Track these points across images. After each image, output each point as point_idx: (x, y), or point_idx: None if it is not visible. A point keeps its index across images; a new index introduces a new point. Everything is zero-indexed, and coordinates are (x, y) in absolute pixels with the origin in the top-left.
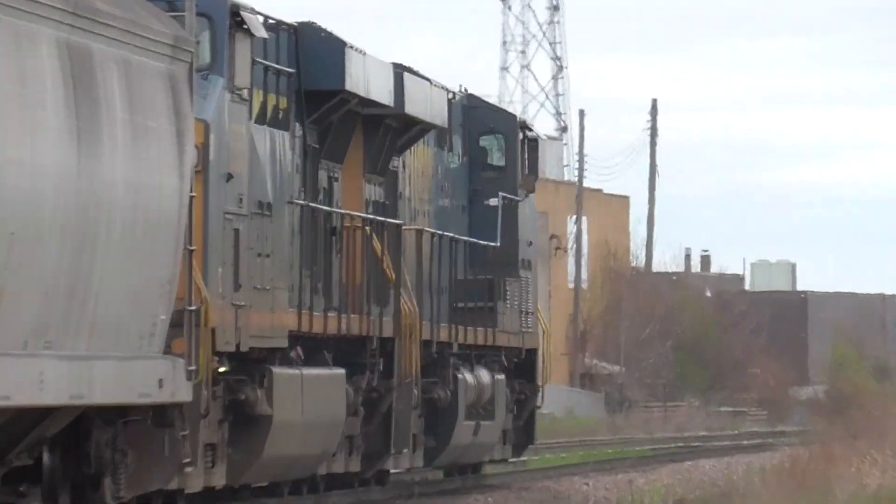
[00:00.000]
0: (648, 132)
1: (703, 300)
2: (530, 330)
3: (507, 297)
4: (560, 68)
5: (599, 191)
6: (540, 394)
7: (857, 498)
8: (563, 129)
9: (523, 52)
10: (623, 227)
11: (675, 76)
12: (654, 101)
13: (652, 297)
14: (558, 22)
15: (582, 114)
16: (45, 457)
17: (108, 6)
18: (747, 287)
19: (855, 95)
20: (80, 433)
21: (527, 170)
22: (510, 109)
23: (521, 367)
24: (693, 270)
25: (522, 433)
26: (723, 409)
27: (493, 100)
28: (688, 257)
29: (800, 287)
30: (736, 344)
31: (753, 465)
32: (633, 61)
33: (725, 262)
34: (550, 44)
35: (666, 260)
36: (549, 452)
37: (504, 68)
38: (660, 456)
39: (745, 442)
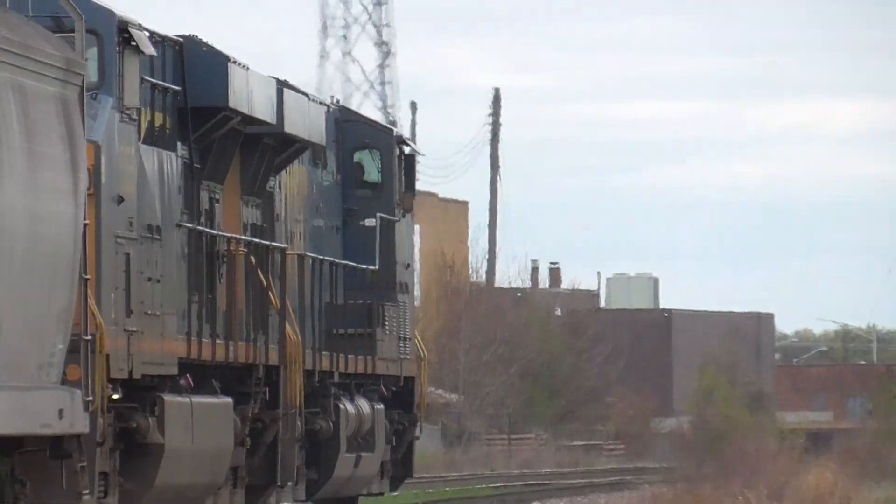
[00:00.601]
0: (490, 127)
1: (552, 320)
2: (408, 357)
3: (386, 323)
4: (387, 54)
5: (434, 195)
6: (419, 424)
7: None
8: (392, 124)
9: (345, 36)
10: (461, 235)
11: (521, 62)
12: (497, 91)
13: (494, 316)
14: (385, 3)
15: (413, 106)
16: None
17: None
18: (603, 304)
19: (729, 84)
20: None
21: (404, 187)
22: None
23: (399, 396)
24: (541, 286)
25: (401, 466)
26: (575, 442)
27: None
28: (535, 271)
29: (663, 305)
30: (590, 369)
31: None
32: (473, 45)
33: (578, 277)
34: (376, 27)
35: (510, 274)
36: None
37: (323, 55)
38: (504, 495)
39: (599, 480)
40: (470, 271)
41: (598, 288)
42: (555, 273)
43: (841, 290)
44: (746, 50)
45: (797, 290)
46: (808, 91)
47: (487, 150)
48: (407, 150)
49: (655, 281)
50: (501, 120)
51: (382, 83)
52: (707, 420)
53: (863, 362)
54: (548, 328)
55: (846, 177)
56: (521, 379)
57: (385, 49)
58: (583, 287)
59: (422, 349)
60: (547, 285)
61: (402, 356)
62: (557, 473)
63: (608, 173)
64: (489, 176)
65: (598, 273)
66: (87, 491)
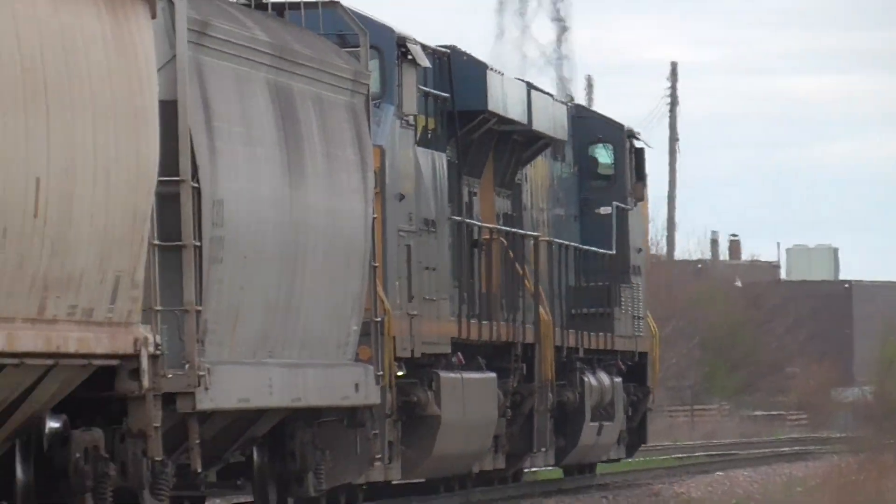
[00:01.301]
0: (667, 101)
1: (732, 292)
2: (641, 334)
3: (622, 303)
4: (564, 30)
5: None
6: (651, 396)
7: None
8: (570, 100)
9: (521, 13)
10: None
11: (699, 36)
12: (674, 66)
13: (674, 288)
14: None
15: (589, 80)
16: (255, 455)
17: (302, 47)
18: (783, 276)
19: None
20: (285, 434)
21: (635, 178)
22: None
23: (633, 371)
24: (721, 258)
25: (635, 434)
26: (757, 413)
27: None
28: (714, 243)
29: (843, 276)
30: (771, 341)
31: (794, 476)
32: (649, 20)
33: (757, 249)
34: (553, 3)
35: (689, 247)
36: None
37: (499, 34)
38: (687, 466)
39: (783, 449)
40: (649, 244)
41: (778, 259)
42: (734, 245)
43: None
44: None
45: None
46: None
47: (665, 123)
48: (637, 143)
49: (835, 251)
50: (678, 93)
51: (559, 59)
52: (889, 390)
53: None
54: (728, 301)
55: None
56: (702, 351)
57: (561, 25)
58: (763, 259)
59: (653, 327)
60: (726, 257)
61: (637, 333)
62: (740, 444)
63: (789, 145)
64: (667, 149)
65: (778, 244)
66: (379, 456)
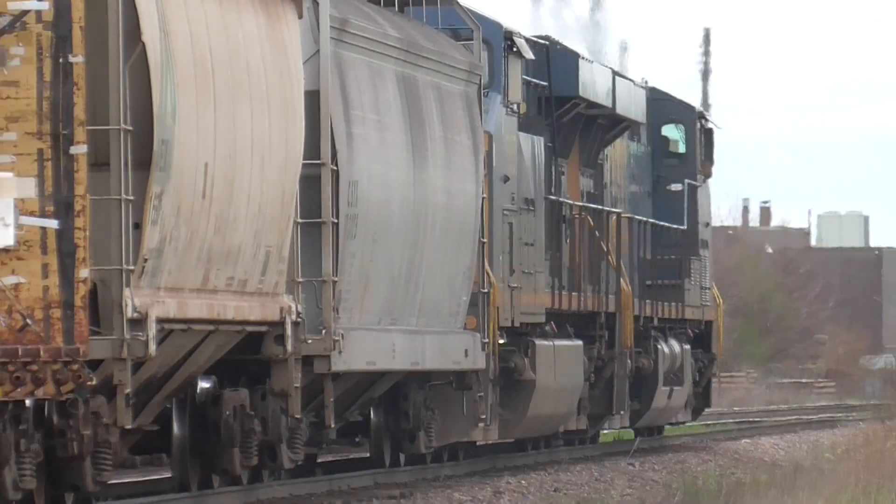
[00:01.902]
0: (700, 67)
1: (763, 258)
2: (708, 304)
3: (692, 275)
4: None
5: None
6: (716, 363)
7: None
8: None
9: None
10: None
11: (731, 2)
12: (707, 32)
13: None
14: None
15: (623, 45)
16: (372, 415)
17: (424, 41)
18: (813, 243)
19: None
20: (399, 395)
21: (704, 157)
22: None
23: (700, 338)
24: (752, 224)
25: (701, 398)
26: (785, 380)
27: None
28: (745, 209)
29: (873, 243)
30: (801, 308)
31: (821, 444)
32: None
33: (789, 215)
34: None
35: (721, 213)
36: None
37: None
38: (714, 433)
39: (811, 417)
40: None
41: (809, 226)
42: (765, 211)
43: None
44: None
45: None
46: None
47: (698, 88)
48: (707, 124)
49: (866, 219)
50: (711, 59)
51: (596, 25)
52: None
53: None
54: (759, 267)
55: None
56: (732, 317)
57: None
58: (794, 226)
59: (717, 297)
60: (757, 224)
61: (703, 303)
62: (768, 411)
63: (820, 111)
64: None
65: (809, 211)
66: (483, 416)
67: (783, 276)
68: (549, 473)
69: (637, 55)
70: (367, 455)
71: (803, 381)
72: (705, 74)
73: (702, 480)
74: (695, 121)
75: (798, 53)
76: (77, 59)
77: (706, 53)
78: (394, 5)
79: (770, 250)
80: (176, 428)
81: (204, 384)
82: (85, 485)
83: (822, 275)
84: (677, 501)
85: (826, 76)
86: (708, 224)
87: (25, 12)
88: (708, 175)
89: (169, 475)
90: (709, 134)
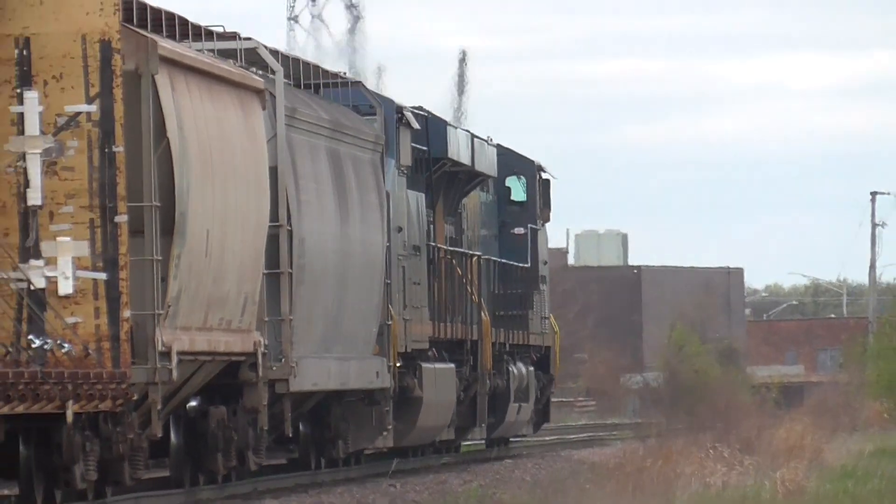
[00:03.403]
0: (456, 88)
1: None
2: (547, 332)
3: (534, 306)
4: (357, 18)
5: None
6: (554, 383)
7: (702, 498)
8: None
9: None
10: None
11: (488, 24)
12: (464, 53)
13: None
14: None
15: (379, 70)
16: (301, 427)
17: (344, 119)
18: (572, 262)
19: (698, 41)
20: (321, 410)
21: (542, 204)
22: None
23: (540, 361)
24: None
25: (542, 414)
26: None
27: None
28: None
29: (632, 261)
30: (560, 327)
31: (583, 463)
32: (440, 7)
33: (546, 234)
34: None
35: None
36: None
37: (292, 17)
38: (473, 452)
39: (571, 436)
40: None
41: (567, 245)
42: None
43: (811, 245)
44: (716, 6)
45: (767, 245)
46: (778, 47)
47: (455, 105)
48: (544, 175)
49: (625, 237)
50: (469, 81)
51: (354, 50)
52: (677, 376)
53: (833, 316)
54: None
55: (816, 132)
56: None
57: (355, 13)
58: (551, 245)
59: (555, 325)
60: None
61: (543, 331)
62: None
63: (576, 132)
64: None
65: (567, 230)
66: (390, 426)
67: None
68: (310, 496)
69: (395, 77)
70: (296, 457)
71: (564, 399)
72: (461, 96)
73: (463, 501)
74: (535, 173)
75: (551, 75)
76: (118, 149)
77: (461, 76)
78: (310, 88)
79: None
80: (173, 437)
81: (194, 403)
82: (124, 480)
83: (582, 294)
84: None
85: (581, 97)
86: (546, 262)
87: (79, 113)
88: (546, 220)
89: (168, 474)
90: (546, 184)
